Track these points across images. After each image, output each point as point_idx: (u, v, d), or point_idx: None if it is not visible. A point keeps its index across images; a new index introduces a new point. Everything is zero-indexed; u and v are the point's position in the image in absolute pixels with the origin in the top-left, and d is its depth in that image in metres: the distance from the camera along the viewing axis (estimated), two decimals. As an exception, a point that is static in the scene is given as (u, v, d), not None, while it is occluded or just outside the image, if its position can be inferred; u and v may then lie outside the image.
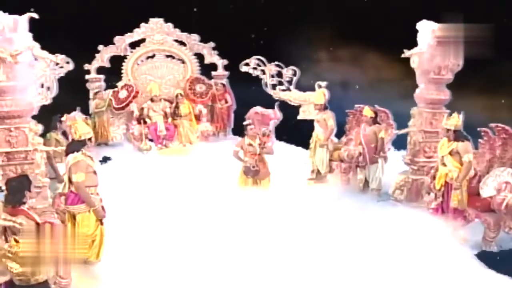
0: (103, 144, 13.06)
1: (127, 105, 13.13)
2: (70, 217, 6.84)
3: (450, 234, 8.05)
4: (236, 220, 8.23)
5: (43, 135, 8.75)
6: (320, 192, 10.03)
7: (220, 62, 13.92)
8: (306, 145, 11.15)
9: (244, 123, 9.88)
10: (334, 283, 6.82)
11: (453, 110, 8.66)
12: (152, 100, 13.29)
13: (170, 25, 13.60)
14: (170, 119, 13.26)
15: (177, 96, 13.32)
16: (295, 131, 12.88)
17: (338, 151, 10.60)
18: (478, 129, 8.92)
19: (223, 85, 13.86)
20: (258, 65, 13.58)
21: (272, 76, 13.52)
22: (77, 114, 11.92)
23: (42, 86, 10.92)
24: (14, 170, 7.78)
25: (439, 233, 8.03)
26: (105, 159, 12.01)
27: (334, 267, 7.12)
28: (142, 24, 13.52)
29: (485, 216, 8.03)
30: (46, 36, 8.02)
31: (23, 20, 7.61)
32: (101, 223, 6.93)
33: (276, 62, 13.44)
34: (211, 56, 13.91)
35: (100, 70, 13.46)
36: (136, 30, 13.53)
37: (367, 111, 10.03)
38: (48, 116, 9.50)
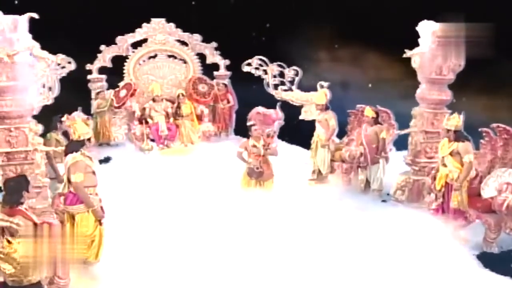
0: (104, 144, 13.07)
1: (124, 103, 13.14)
2: (69, 217, 6.83)
3: (450, 235, 8.02)
4: (237, 221, 8.20)
5: (43, 135, 8.78)
6: (321, 193, 10.02)
7: (222, 62, 13.92)
8: (307, 146, 11.13)
9: (248, 124, 9.81)
10: (335, 283, 6.81)
11: (454, 110, 8.63)
12: (154, 100, 13.28)
13: (172, 25, 13.59)
14: (171, 119, 13.23)
15: (178, 96, 13.32)
16: (296, 131, 12.85)
17: (339, 151, 10.58)
18: (480, 129, 8.89)
19: (225, 85, 13.84)
20: (260, 65, 13.55)
21: (274, 76, 13.49)
22: (78, 114, 11.92)
23: (44, 86, 10.92)
24: (14, 170, 7.79)
25: (439, 234, 8.00)
26: (107, 159, 12.02)
27: (336, 267, 7.11)
28: (144, 24, 13.51)
29: (486, 217, 8.00)
30: (46, 36, 8.03)
31: (23, 20, 7.62)
32: (100, 224, 6.92)
33: (278, 62, 13.43)
34: (213, 56, 13.90)
35: (102, 70, 13.47)
36: (138, 30, 13.52)
37: (369, 111, 10.00)
38: (50, 116, 9.53)
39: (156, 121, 13.05)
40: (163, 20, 13.54)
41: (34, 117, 8.27)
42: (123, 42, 13.48)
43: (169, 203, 9.06)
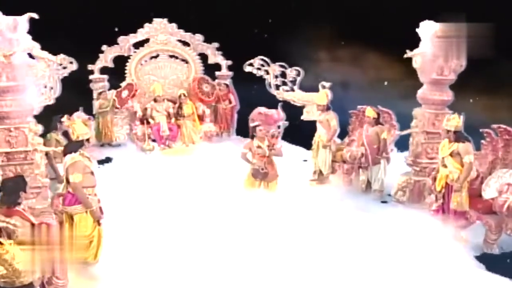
0: (106, 144, 13.10)
1: (126, 102, 13.16)
2: (68, 218, 6.82)
3: (451, 236, 7.99)
4: (238, 221, 8.18)
5: (44, 135, 8.78)
6: (322, 193, 10.00)
7: (224, 63, 13.91)
8: (308, 146, 11.11)
9: (252, 124, 9.72)
10: (336, 283, 6.79)
11: (455, 111, 8.60)
12: (155, 100, 13.30)
13: (174, 25, 13.61)
14: (173, 120, 13.25)
15: (180, 96, 13.32)
16: (297, 131, 12.83)
17: (340, 152, 10.52)
18: (481, 130, 8.85)
19: (227, 85, 13.85)
20: (262, 65, 13.57)
21: (276, 77, 13.50)
22: (79, 115, 11.93)
23: (45, 86, 10.94)
24: (13, 170, 7.81)
25: (440, 234, 7.96)
26: (108, 159, 12.04)
27: (336, 267, 7.09)
28: (146, 24, 13.53)
29: (486, 218, 7.96)
30: (46, 36, 8.03)
31: (23, 20, 7.63)
32: (99, 224, 6.91)
33: (280, 63, 13.43)
34: (215, 57, 13.90)
35: (103, 70, 13.49)
36: (140, 30, 13.54)
37: (370, 112, 9.97)
38: (51, 117, 9.53)
39: (157, 121, 13.06)
40: (165, 20, 13.56)
41: (35, 117, 8.29)
42: (125, 42, 13.50)
43: (170, 203, 9.03)
